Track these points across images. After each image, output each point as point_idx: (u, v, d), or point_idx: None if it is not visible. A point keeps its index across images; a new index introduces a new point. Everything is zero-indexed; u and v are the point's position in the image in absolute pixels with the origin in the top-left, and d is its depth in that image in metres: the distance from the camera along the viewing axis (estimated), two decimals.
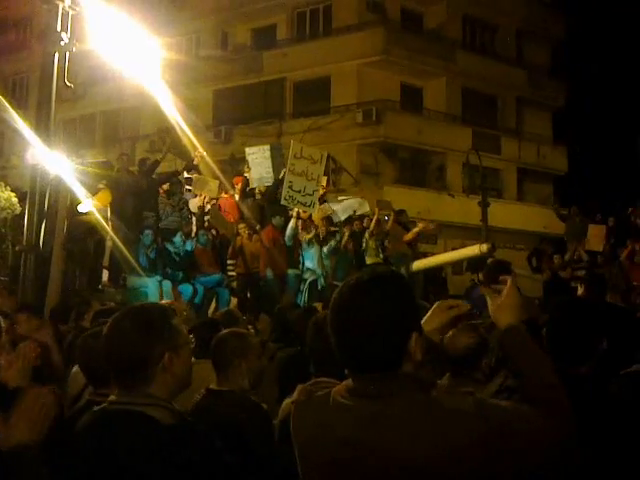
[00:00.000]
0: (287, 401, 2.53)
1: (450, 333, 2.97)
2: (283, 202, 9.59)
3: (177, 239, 9.41)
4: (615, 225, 14.01)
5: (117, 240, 8.85)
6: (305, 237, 10.24)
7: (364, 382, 1.63)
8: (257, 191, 11.49)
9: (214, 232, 10.71)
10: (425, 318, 2.08)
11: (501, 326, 1.80)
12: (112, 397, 1.99)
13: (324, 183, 11.95)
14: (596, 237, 13.10)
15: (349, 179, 20.99)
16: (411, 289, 1.76)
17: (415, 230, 11.29)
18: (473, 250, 10.06)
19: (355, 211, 12.14)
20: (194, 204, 11.18)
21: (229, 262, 10.45)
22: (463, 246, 12.11)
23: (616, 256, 11.76)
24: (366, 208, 12.36)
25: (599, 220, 14.43)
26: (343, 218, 11.68)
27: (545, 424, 1.61)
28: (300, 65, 22.98)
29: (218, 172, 11.44)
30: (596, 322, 3.04)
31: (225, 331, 3.33)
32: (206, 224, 10.76)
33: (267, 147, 11.51)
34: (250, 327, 6.20)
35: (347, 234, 10.81)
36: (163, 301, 7.07)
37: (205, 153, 11.37)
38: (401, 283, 1.71)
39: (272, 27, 24.81)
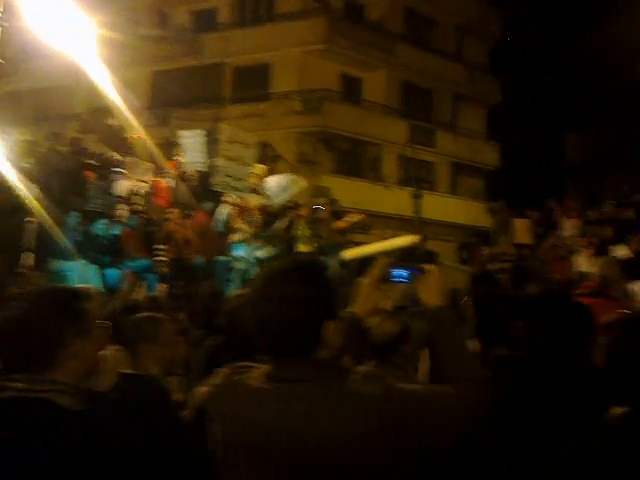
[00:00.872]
0: (200, 388, 2.53)
1: (376, 320, 3.07)
2: (216, 188, 9.48)
3: (101, 224, 9.15)
4: (540, 219, 14.51)
5: (44, 221, 8.57)
6: (236, 237, 10.15)
7: (281, 367, 1.67)
8: (192, 176, 11.35)
9: (145, 216, 10.52)
10: (357, 301, 2.11)
11: (430, 306, 1.87)
12: (18, 383, 1.95)
13: (261, 172, 11.88)
14: (523, 231, 13.53)
15: (286, 167, 20.95)
16: (329, 277, 1.78)
17: (349, 220, 11.39)
18: (404, 240, 10.22)
19: (290, 194, 12.03)
20: (126, 187, 10.94)
21: (159, 247, 10.27)
22: (396, 237, 12.28)
23: (537, 249, 12.19)
24: (300, 185, 12.23)
25: (526, 214, 14.91)
26: (277, 201, 11.61)
27: (459, 403, 1.68)
28: (241, 50, 22.74)
29: (154, 155, 11.23)
30: (513, 309, 3.19)
31: (139, 315, 3.28)
32: (137, 208, 10.54)
33: (202, 132, 11.37)
34: (179, 315, 6.12)
35: (286, 221, 10.74)
36: (83, 285, 6.89)
37: (142, 135, 11.16)
38: (319, 271, 1.74)
39: (213, 10, 24.43)
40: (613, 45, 27.46)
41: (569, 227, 13.20)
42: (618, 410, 1.76)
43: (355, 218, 11.72)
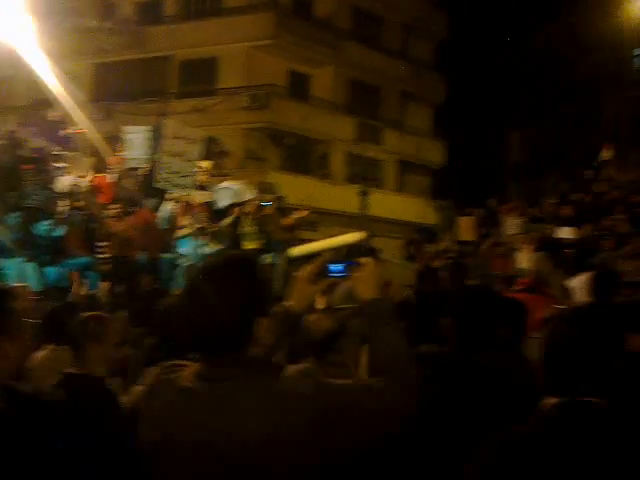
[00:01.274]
0: (134, 388, 2.49)
1: (313, 317, 3.07)
2: (157, 185, 9.32)
3: (44, 225, 8.89)
4: (484, 217, 14.83)
5: None
6: (181, 234, 10.02)
7: (211, 366, 1.66)
8: (135, 172, 11.13)
9: (87, 213, 10.26)
10: (291, 296, 2.09)
11: (363, 298, 1.87)
12: None
13: (208, 166, 11.74)
14: (467, 228, 13.79)
15: (233, 163, 20.79)
16: (261, 274, 1.77)
17: (295, 216, 11.37)
18: (350, 237, 10.27)
19: (237, 198, 12.00)
20: (66, 182, 10.65)
21: (100, 244, 10.04)
22: (342, 234, 12.33)
23: (479, 246, 12.44)
24: (249, 194, 12.26)
25: (470, 212, 15.20)
26: (222, 205, 11.52)
27: (388, 398, 1.69)
28: (187, 44, 22.45)
29: (97, 150, 10.98)
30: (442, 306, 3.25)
31: (84, 314, 3.24)
32: (78, 204, 10.28)
33: (147, 128, 11.19)
34: (119, 313, 6.00)
35: (232, 217, 10.66)
36: (17, 284, 6.69)
37: (84, 129, 10.89)
38: (250, 267, 1.74)
39: (158, 2, 24.03)
40: (555, 45, 28.26)
41: (511, 225, 13.51)
42: (551, 401, 1.80)
43: (301, 214, 11.71)
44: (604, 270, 5.98)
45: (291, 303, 2.07)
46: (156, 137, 11.00)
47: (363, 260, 1.96)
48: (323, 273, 2.09)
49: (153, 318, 4.71)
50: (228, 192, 11.83)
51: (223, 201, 11.46)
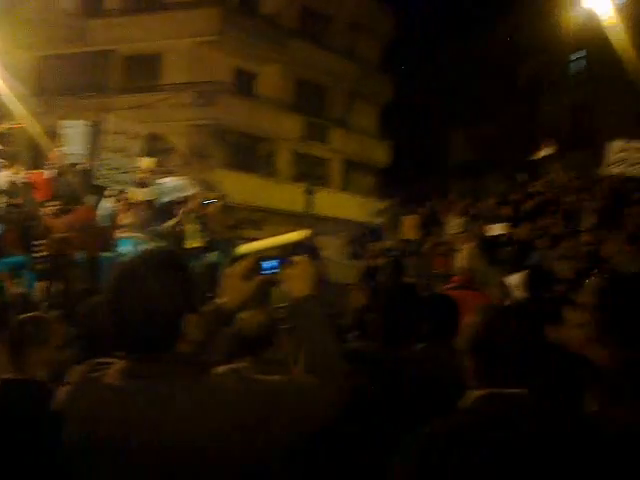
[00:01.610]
0: (61, 389, 2.45)
1: (246, 315, 3.06)
2: (97, 181, 9.14)
3: None
4: (427, 215, 15.08)
5: None
6: (123, 232, 9.85)
7: (137, 363, 1.65)
8: (74, 168, 10.87)
9: (23, 210, 9.98)
10: (223, 293, 2.09)
11: (294, 295, 1.88)
12: None
13: (151, 165, 11.56)
14: (410, 227, 13.98)
15: (178, 160, 20.54)
16: (187, 270, 1.76)
17: (237, 217, 11.32)
18: (295, 236, 10.29)
19: (180, 194, 11.87)
20: (3, 178, 10.33)
21: (37, 243, 9.78)
22: (288, 232, 12.35)
23: (421, 245, 12.66)
24: (192, 189, 12.12)
25: (413, 210, 15.44)
26: (166, 200, 11.37)
27: (319, 393, 1.71)
28: (130, 38, 22.01)
29: (36, 145, 10.68)
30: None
31: (24, 315, 3.12)
32: (15, 201, 9.99)
33: (84, 122, 10.93)
34: (53, 313, 5.86)
35: (178, 219, 10.56)
36: None
37: (22, 124, 10.58)
38: (178, 263, 1.72)
39: None
40: (496, 48, 28.92)
41: (453, 224, 13.77)
42: (475, 393, 1.86)
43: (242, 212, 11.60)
44: (537, 269, 6.22)
45: (223, 300, 2.06)
46: (95, 132, 10.78)
47: (296, 258, 1.97)
48: (256, 270, 2.09)
49: (79, 317, 4.63)
50: (170, 188, 11.68)
51: (165, 197, 11.31)
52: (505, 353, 1.87)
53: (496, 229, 12.65)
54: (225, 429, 1.57)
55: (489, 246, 9.93)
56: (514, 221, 12.88)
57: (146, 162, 11.34)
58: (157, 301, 1.62)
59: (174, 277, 1.68)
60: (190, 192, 11.82)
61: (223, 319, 2.07)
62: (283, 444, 1.68)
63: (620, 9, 20.07)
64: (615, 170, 11.53)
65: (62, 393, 1.85)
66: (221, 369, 1.76)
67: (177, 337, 1.65)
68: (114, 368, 1.69)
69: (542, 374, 2.32)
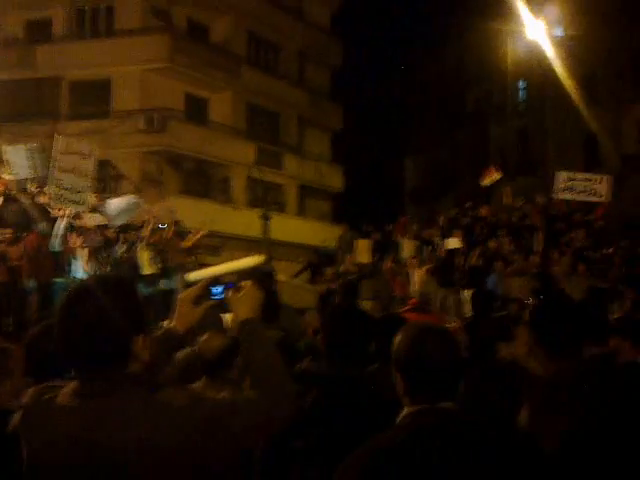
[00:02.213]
0: (15, 415, 2.38)
1: (204, 337, 3.12)
2: (51, 201, 8.97)
3: None
4: (380, 239, 15.24)
5: None
6: (77, 259, 9.68)
7: (88, 382, 1.70)
8: (21, 194, 10.62)
9: None
10: (174, 317, 2.17)
11: (239, 318, 1.96)
12: None
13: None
14: (363, 250, 14.09)
15: (129, 187, 20.30)
16: (137, 293, 1.83)
17: (193, 237, 11.18)
18: (249, 261, 10.23)
19: (131, 216, 11.70)
20: None
21: None
22: (243, 258, 12.26)
23: (379, 269, 12.77)
24: (141, 207, 11.96)
25: (367, 234, 15.58)
26: (118, 224, 11.19)
27: (266, 408, 1.77)
28: (78, 64, 21.78)
29: None
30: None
31: None
32: None
33: (26, 145, 10.77)
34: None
35: (125, 246, 10.43)
36: None
37: None
38: (126, 287, 1.81)
39: (47, 20, 23.22)
40: (445, 75, 29.72)
41: (407, 247, 13.96)
42: (410, 409, 1.91)
43: (198, 235, 11.53)
44: (481, 289, 6.46)
45: (173, 324, 2.14)
46: (34, 156, 10.63)
47: (242, 283, 2.05)
48: (206, 295, 2.18)
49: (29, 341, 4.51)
50: (120, 209, 11.48)
51: (117, 220, 11.12)
52: (428, 370, 1.93)
53: (452, 243, 12.91)
54: (173, 443, 1.62)
55: (443, 270, 10.11)
56: (467, 246, 13.13)
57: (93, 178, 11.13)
58: (105, 322, 1.68)
59: (122, 299, 1.75)
60: (138, 210, 11.65)
61: (173, 342, 2.14)
62: (229, 457, 1.78)
63: (559, 42, 20.98)
64: (564, 196, 12.01)
65: (17, 417, 1.86)
66: (171, 388, 1.77)
67: (127, 357, 1.71)
68: (67, 388, 1.72)
69: (471, 388, 2.46)
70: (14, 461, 2.41)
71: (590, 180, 11.77)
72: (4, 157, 10.88)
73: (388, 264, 12.41)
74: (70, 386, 1.73)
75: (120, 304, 1.72)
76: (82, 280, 1.83)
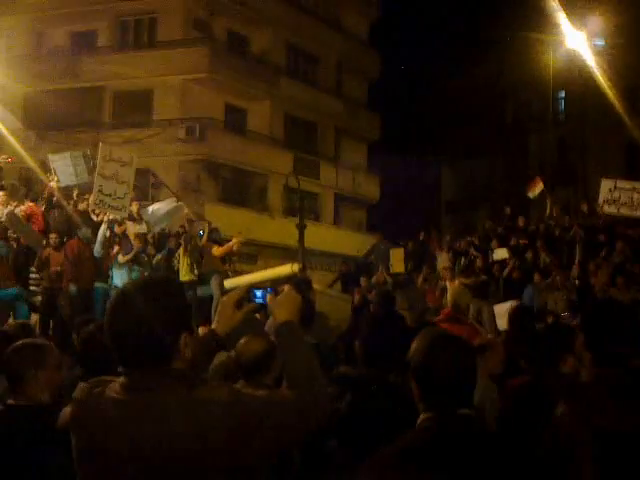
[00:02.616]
0: (65, 409, 2.48)
1: (243, 340, 3.16)
2: (93, 207, 9.23)
3: None
4: (413, 249, 15.20)
5: None
6: (121, 260, 9.91)
7: (135, 378, 1.77)
8: (66, 201, 10.93)
9: (15, 243, 9.98)
10: (216, 319, 2.24)
11: (278, 320, 2.01)
12: None
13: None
14: (397, 260, 14.07)
15: (169, 194, 20.63)
16: (182, 293, 1.94)
17: (228, 245, 11.29)
18: (285, 269, 10.28)
19: (171, 221, 11.91)
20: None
21: (33, 276, 9.77)
22: (279, 266, 12.36)
23: (412, 279, 12.75)
24: (182, 211, 12.17)
25: (402, 244, 15.55)
26: (159, 228, 11.41)
27: (302, 408, 1.82)
28: (121, 75, 22.28)
29: (28, 179, 10.73)
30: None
31: (19, 342, 3.14)
32: (8, 234, 9.99)
33: (72, 153, 11.09)
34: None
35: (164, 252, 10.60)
36: None
37: (13, 159, 10.64)
38: (172, 287, 1.89)
39: (92, 32, 23.84)
40: (485, 85, 29.47)
41: (442, 258, 13.91)
42: (428, 415, 1.96)
43: (233, 241, 11.68)
44: (519, 305, 6.39)
45: (215, 326, 2.22)
46: (79, 163, 10.92)
47: (282, 287, 2.09)
48: (247, 299, 2.22)
49: (78, 343, 4.65)
50: (161, 215, 11.70)
51: (157, 226, 11.32)
52: (441, 377, 1.96)
53: (500, 253, 12.84)
54: (213, 437, 1.68)
55: (480, 285, 10.06)
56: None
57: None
58: (151, 321, 1.76)
59: (168, 299, 1.83)
60: (178, 216, 11.83)
61: (216, 342, 2.22)
62: (266, 455, 1.80)
63: (600, 52, 20.67)
64: (609, 210, 11.81)
65: (68, 411, 1.96)
66: (212, 384, 1.85)
67: (171, 355, 1.78)
68: (116, 383, 1.81)
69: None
70: (60, 453, 2.53)
71: (635, 189, 11.55)
72: (50, 165, 11.21)
73: (422, 275, 12.37)
74: (119, 380, 1.81)
75: (166, 303, 1.80)
76: (130, 283, 1.91)
